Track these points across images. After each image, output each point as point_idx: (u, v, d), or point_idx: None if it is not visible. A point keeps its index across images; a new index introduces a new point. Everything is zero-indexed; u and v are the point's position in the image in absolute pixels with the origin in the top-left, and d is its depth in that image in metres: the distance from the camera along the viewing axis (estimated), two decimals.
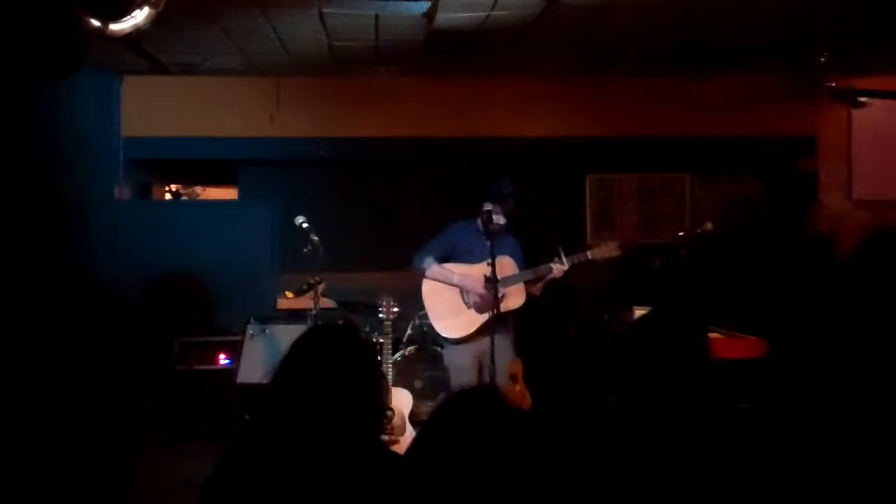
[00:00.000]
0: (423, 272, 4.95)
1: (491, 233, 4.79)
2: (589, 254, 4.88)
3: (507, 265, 4.85)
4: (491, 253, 4.60)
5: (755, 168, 7.57)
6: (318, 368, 2.07)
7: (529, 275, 4.87)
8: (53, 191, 5.44)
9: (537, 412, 5.15)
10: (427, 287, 4.97)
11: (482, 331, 4.76)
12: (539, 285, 4.96)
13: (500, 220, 4.84)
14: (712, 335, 5.06)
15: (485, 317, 4.71)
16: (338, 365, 2.07)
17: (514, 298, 4.85)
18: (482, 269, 4.70)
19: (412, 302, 5.66)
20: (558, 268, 4.80)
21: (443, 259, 4.97)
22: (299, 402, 2.03)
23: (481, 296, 4.76)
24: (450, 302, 4.91)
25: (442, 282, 4.92)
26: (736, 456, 1.83)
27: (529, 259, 4.98)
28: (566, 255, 4.81)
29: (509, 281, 4.81)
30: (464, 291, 4.90)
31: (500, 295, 4.69)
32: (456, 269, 4.92)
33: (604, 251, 4.89)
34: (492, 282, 4.58)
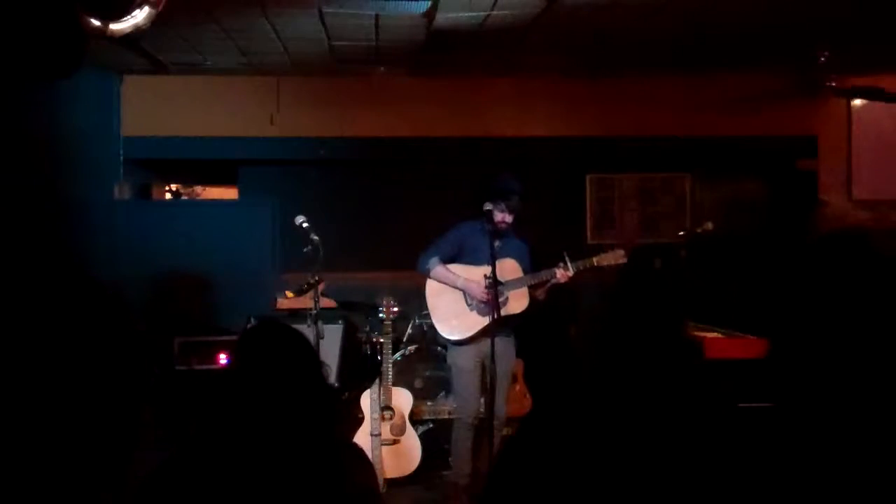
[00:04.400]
0: (428, 273, 4.93)
1: (498, 232, 4.77)
2: (595, 260, 4.86)
3: (510, 268, 4.83)
4: (491, 254, 4.59)
5: (755, 168, 7.58)
6: (262, 363, 2.11)
7: (532, 279, 4.85)
8: (53, 191, 5.44)
9: (537, 412, 5.13)
10: (430, 287, 4.96)
11: (485, 332, 4.75)
12: (543, 290, 4.94)
13: (505, 217, 4.81)
14: (712, 335, 5.06)
15: (487, 319, 4.70)
16: (280, 358, 2.11)
17: (516, 302, 4.83)
18: (486, 270, 4.68)
19: (412, 302, 5.68)
20: (562, 273, 4.78)
21: (449, 259, 4.95)
22: (248, 397, 2.05)
23: (484, 300, 4.75)
24: (453, 303, 4.90)
25: (447, 284, 4.90)
26: (732, 456, 1.83)
27: (535, 263, 4.96)
28: (572, 261, 4.79)
29: (512, 285, 4.79)
30: (467, 294, 4.89)
31: (503, 298, 4.67)
32: (460, 272, 4.90)
33: (610, 258, 4.87)
34: (492, 282, 4.57)
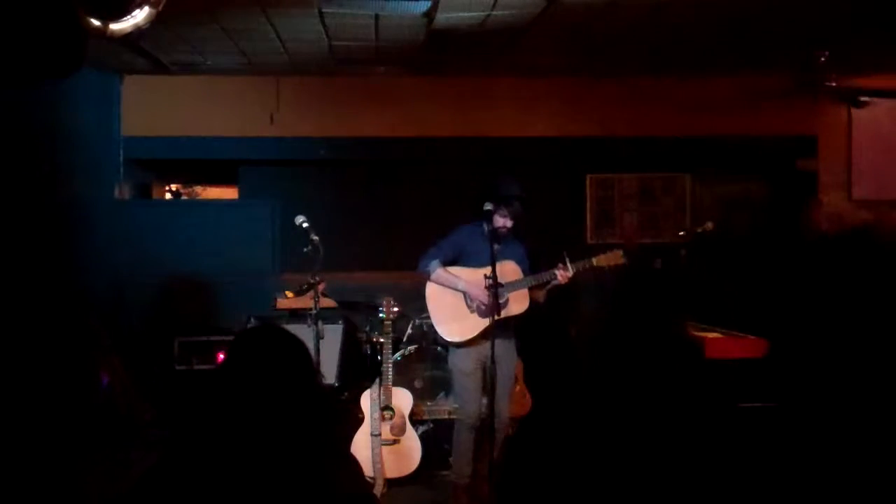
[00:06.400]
0: (429, 275, 4.93)
1: (497, 235, 4.76)
2: (594, 260, 4.85)
3: (510, 270, 4.83)
4: (491, 256, 4.58)
5: (755, 168, 7.58)
6: (253, 366, 2.09)
7: (532, 281, 4.84)
8: (53, 190, 5.44)
9: (537, 413, 5.14)
10: (431, 290, 4.95)
11: (485, 335, 4.74)
12: (543, 292, 4.93)
13: (506, 222, 4.81)
14: (712, 335, 5.07)
15: (487, 321, 4.70)
16: (271, 361, 2.09)
17: (517, 304, 4.83)
18: (486, 272, 4.67)
19: (412, 302, 5.67)
20: (563, 274, 4.78)
21: (449, 262, 4.95)
22: (236, 399, 2.05)
23: (485, 301, 4.74)
24: (453, 305, 4.90)
25: (447, 287, 4.90)
26: (732, 455, 1.83)
27: (535, 265, 4.96)
28: (571, 262, 4.79)
29: (512, 286, 4.79)
30: (468, 296, 4.88)
31: (503, 300, 4.67)
32: (461, 274, 4.89)
33: (609, 258, 4.86)
34: (492, 285, 4.56)
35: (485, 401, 4.91)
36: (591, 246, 7.42)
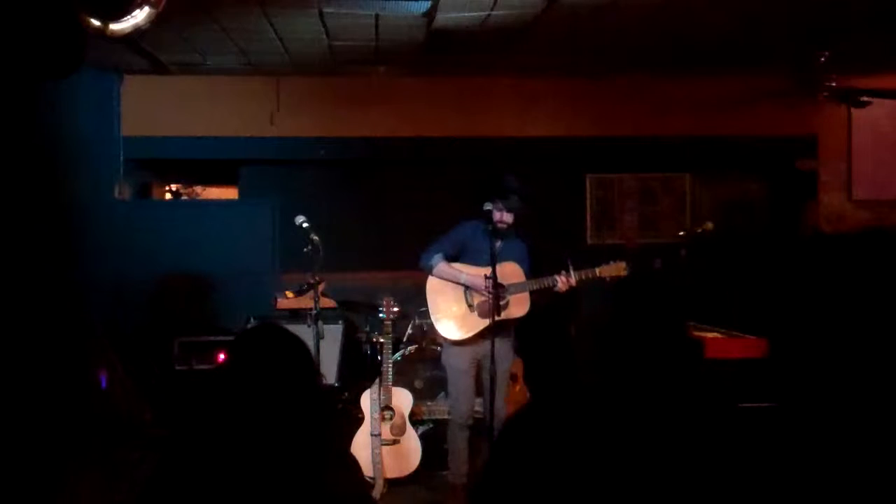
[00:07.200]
0: (431, 269, 4.93)
1: (498, 233, 4.76)
2: (598, 271, 4.85)
3: (512, 271, 4.82)
4: (491, 254, 4.58)
5: (755, 168, 7.58)
6: (254, 365, 2.10)
7: (534, 285, 4.84)
8: (53, 190, 5.44)
9: (532, 409, 5.09)
10: (431, 284, 4.95)
11: (482, 334, 4.74)
12: (545, 296, 4.93)
13: (504, 216, 4.80)
14: (712, 335, 5.07)
15: (486, 321, 4.69)
16: (272, 361, 2.10)
17: (517, 307, 4.82)
18: (487, 271, 4.67)
19: (412, 302, 5.67)
20: (563, 281, 4.77)
21: (451, 258, 4.95)
22: (237, 398, 2.05)
23: (486, 299, 4.74)
24: (453, 302, 4.90)
25: (449, 280, 4.89)
26: (732, 456, 1.83)
27: (536, 264, 4.95)
28: (574, 270, 4.79)
29: (513, 289, 4.78)
30: (468, 292, 4.88)
31: (503, 301, 4.67)
32: (464, 269, 4.90)
33: (612, 270, 4.86)
34: (492, 282, 4.56)
35: (479, 400, 4.91)
36: (591, 246, 7.42)
